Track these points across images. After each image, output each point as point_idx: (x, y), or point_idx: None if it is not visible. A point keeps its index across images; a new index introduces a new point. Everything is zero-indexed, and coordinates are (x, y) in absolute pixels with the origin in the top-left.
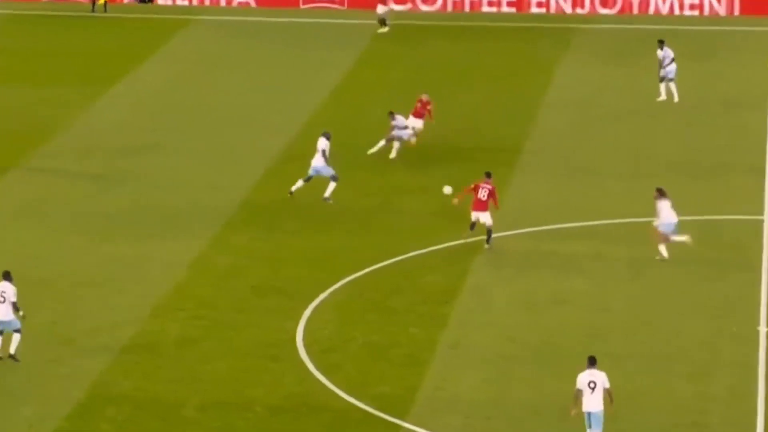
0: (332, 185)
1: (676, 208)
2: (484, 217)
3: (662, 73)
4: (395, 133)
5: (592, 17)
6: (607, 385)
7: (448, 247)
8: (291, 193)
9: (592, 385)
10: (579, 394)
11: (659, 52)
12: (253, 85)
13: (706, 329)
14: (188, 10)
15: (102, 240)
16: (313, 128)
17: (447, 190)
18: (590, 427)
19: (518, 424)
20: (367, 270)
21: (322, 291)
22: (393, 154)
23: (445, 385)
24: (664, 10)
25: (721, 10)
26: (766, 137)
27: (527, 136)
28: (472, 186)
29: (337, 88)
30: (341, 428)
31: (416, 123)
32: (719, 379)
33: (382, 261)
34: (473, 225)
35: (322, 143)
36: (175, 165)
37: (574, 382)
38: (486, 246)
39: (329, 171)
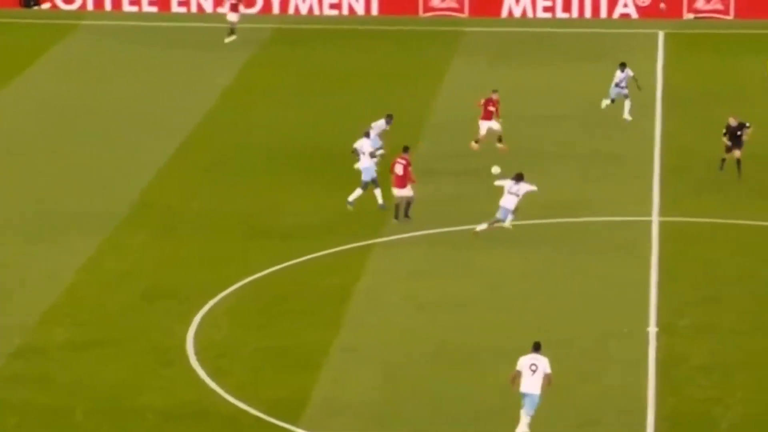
0: (359, 192)
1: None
2: (404, 192)
3: (624, 92)
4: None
5: (481, 20)
6: (548, 371)
7: (341, 250)
8: (350, 203)
9: (533, 367)
10: (518, 375)
11: (619, 74)
12: (144, 88)
13: (598, 329)
14: (76, 15)
15: None
16: (205, 130)
17: (495, 170)
18: (524, 407)
19: (412, 426)
20: (260, 274)
21: (215, 295)
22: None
23: (339, 388)
24: (552, 14)
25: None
26: (654, 139)
27: (419, 139)
28: (393, 162)
29: (228, 91)
30: None
31: (492, 125)
32: (611, 378)
33: (275, 264)
34: (396, 206)
35: (366, 144)
36: (66, 168)
37: (468, 382)
38: (405, 218)
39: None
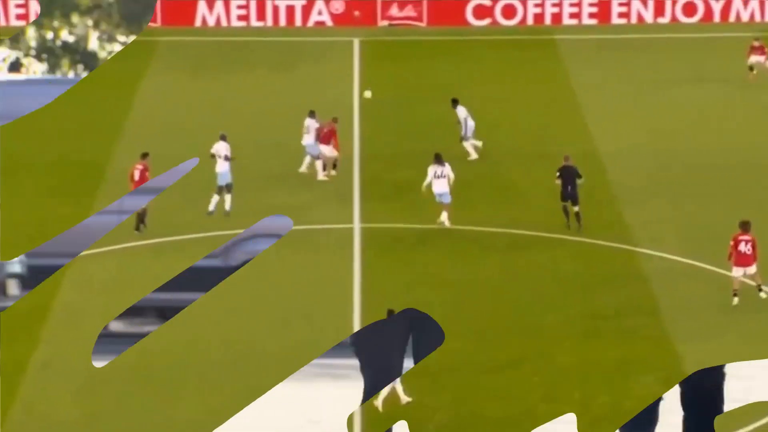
0: (216, 198)
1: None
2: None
3: (464, 131)
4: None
5: (175, 29)
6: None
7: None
8: (211, 212)
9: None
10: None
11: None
12: None
13: (304, 336)
14: None
15: None
16: None
17: (368, 94)
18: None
19: None
20: None
21: None
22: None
23: (36, 406)
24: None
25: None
26: (353, 146)
27: (114, 149)
28: (132, 168)
29: None
30: None
31: (325, 149)
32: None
33: None
34: (139, 214)
35: (223, 147)
36: None
37: (170, 395)
38: (142, 225)
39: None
